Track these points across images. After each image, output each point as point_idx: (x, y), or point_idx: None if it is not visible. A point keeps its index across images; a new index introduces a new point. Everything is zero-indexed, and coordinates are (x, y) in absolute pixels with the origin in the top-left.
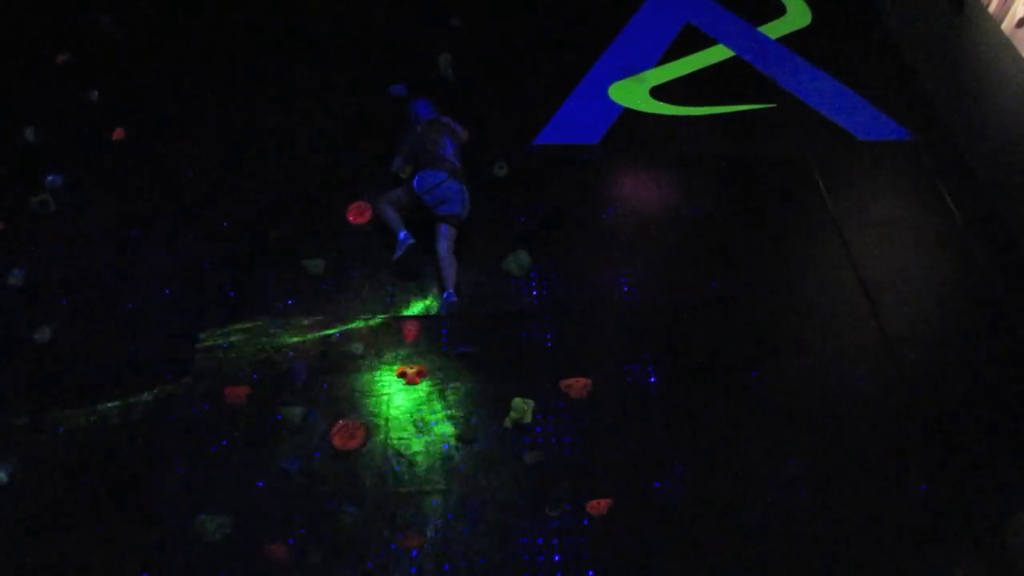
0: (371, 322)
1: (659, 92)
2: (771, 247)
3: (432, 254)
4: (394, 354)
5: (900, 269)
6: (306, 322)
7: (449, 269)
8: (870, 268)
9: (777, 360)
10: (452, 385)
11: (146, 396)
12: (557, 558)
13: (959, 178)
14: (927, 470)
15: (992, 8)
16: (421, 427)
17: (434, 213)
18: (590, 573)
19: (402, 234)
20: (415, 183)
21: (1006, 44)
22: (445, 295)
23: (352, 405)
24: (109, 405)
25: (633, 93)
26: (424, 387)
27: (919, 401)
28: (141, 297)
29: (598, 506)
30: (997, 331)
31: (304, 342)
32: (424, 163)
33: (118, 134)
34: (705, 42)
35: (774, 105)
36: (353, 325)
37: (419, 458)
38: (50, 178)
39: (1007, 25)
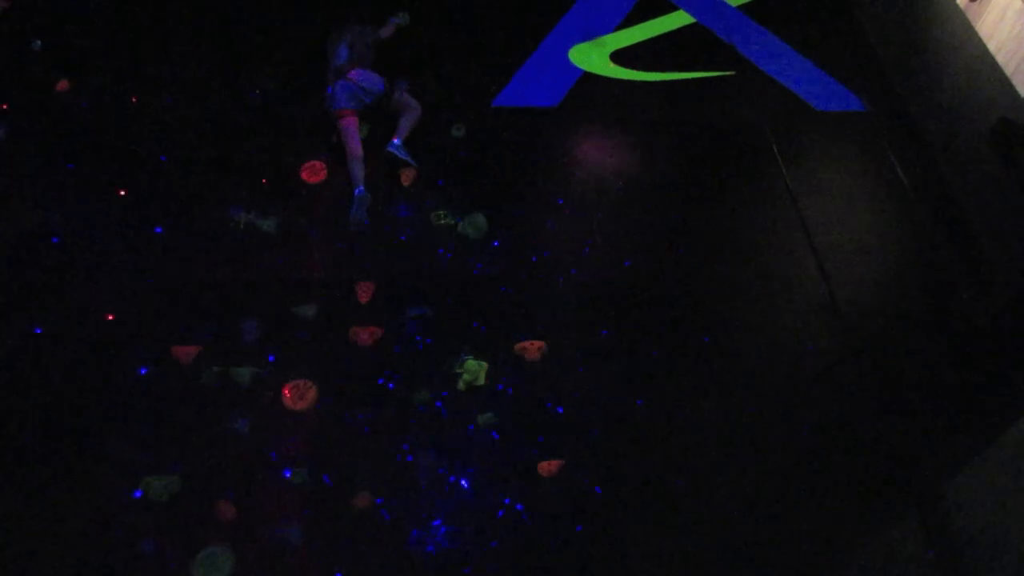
0: (325, 282)
1: (619, 57)
2: (726, 213)
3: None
4: (348, 315)
5: (851, 237)
6: (258, 281)
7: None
8: (822, 235)
9: (730, 325)
10: (406, 347)
11: (91, 355)
12: (504, 515)
13: (910, 149)
14: (873, 431)
15: None
16: (373, 389)
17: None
18: (542, 533)
19: (358, 190)
20: (326, 105)
21: (960, 18)
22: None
23: (304, 366)
24: (53, 363)
25: (593, 57)
26: (377, 349)
27: (867, 365)
28: (85, 253)
29: (549, 467)
30: (943, 297)
31: (256, 301)
32: (328, 75)
33: (62, 86)
34: (666, 8)
35: (733, 73)
36: (306, 285)
37: (371, 419)
38: None
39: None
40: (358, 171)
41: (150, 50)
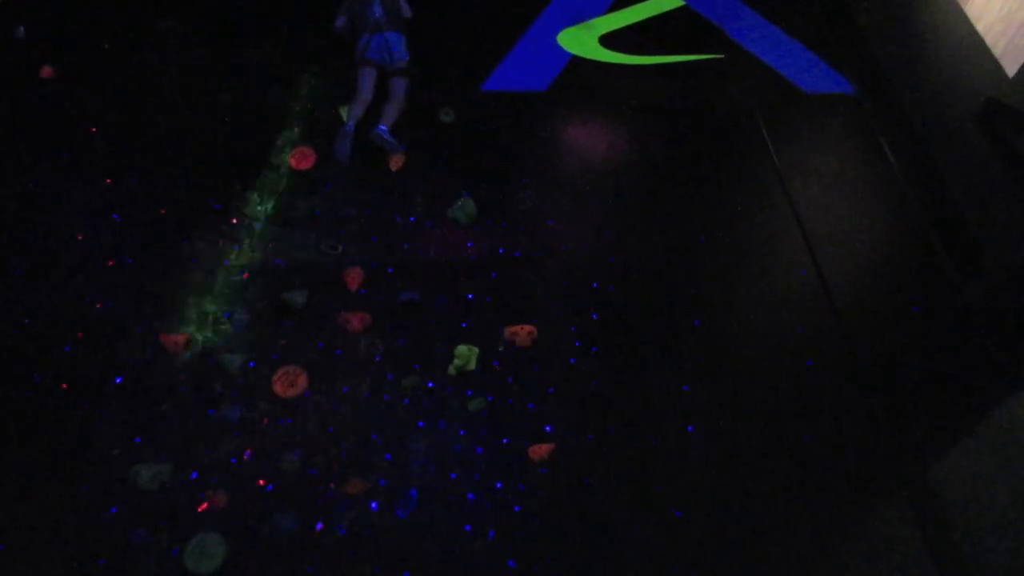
0: (314, 269)
1: (608, 40)
2: (715, 196)
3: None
4: (337, 301)
5: (840, 220)
6: (246, 269)
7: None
8: (812, 218)
9: (719, 309)
10: (396, 333)
11: (79, 343)
12: (494, 500)
13: (899, 130)
14: (863, 417)
15: None
16: (363, 374)
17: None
18: (533, 518)
19: (348, 124)
20: (356, 51)
21: (950, 0)
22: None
23: (294, 352)
24: (40, 352)
25: (582, 41)
26: (367, 334)
27: (856, 349)
28: (70, 241)
29: (540, 451)
30: (931, 280)
31: (244, 289)
32: (358, 28)
33: (46, 72)
34: None
35: (722, 56)
36: (295, 272)
37: (361, 405)
38: None
39: None
40: (358, 111)
41: (135, 36)
